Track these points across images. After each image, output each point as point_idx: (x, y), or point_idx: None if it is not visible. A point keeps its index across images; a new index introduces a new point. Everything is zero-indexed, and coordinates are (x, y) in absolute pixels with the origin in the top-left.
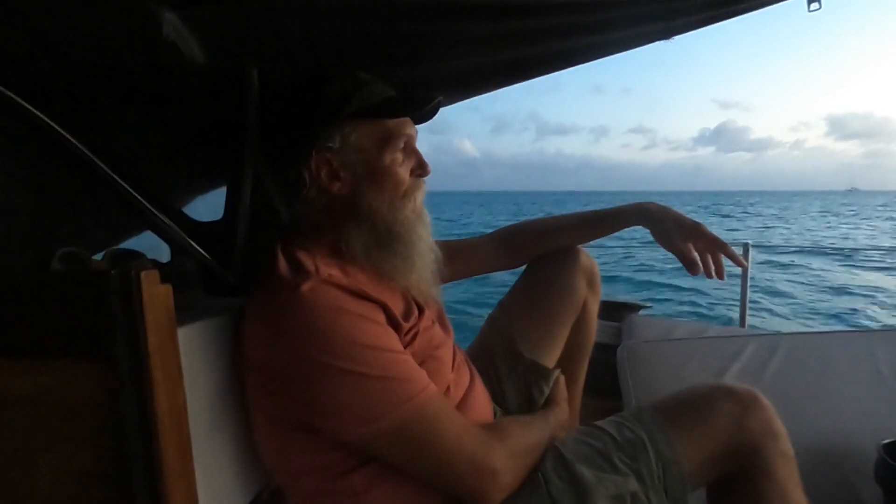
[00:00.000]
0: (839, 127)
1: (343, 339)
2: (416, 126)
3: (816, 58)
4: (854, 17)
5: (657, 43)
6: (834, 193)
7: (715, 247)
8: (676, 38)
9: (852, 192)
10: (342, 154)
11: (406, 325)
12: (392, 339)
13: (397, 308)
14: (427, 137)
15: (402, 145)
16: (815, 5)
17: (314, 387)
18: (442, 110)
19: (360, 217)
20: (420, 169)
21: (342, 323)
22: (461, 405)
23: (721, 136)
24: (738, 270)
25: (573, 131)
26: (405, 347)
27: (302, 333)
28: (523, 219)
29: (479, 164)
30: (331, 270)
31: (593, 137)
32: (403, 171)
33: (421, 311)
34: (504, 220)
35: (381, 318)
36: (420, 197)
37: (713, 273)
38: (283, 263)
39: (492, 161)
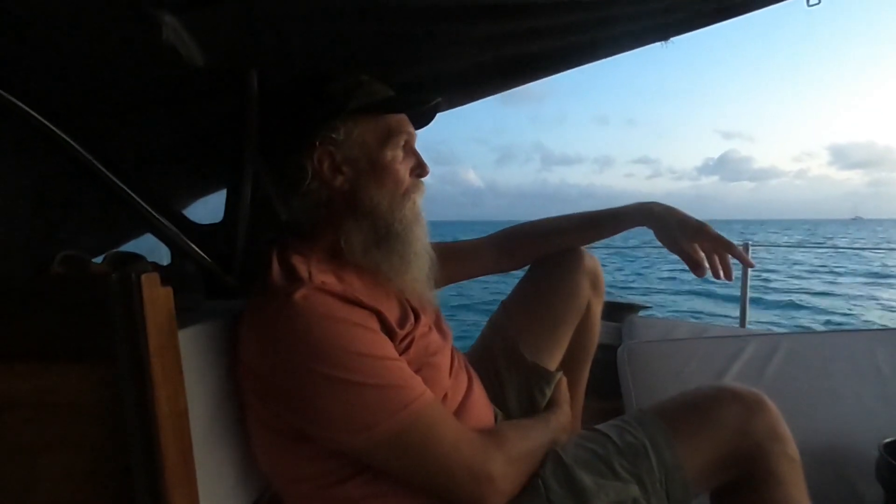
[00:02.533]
0: (842, 156)
1: (336, 348)
2: (416, 132)
3: (818, 87)
4: (852, 46)
5: (659, 74)
6: (837, 222)
7: (721, 247)
8: (679, 70)
9: (856, 220)
10: (345, 148)
11: (401, 333)
12: (386, 347)
13: (392, 315)
14: (432, 168)
15: (402, 143)
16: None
17: (308, 395)
18: (447, 141)
19: (360, 213)
20: (419, 169)
21: (335, 331)
22: (459, 411)
23: (724, 166)
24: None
25: (578, 161)
26: (400, 355)
27: (295, 342)
28: None
29: (484, 193)
30: (325, 277)
31: (598, 167)
32: (403, 170)
33: (417, 317)
34: None
35: (375, 325)
36: (419, 198)
37: (720, 274)
38: (276, 269)
39: (496, 191)
